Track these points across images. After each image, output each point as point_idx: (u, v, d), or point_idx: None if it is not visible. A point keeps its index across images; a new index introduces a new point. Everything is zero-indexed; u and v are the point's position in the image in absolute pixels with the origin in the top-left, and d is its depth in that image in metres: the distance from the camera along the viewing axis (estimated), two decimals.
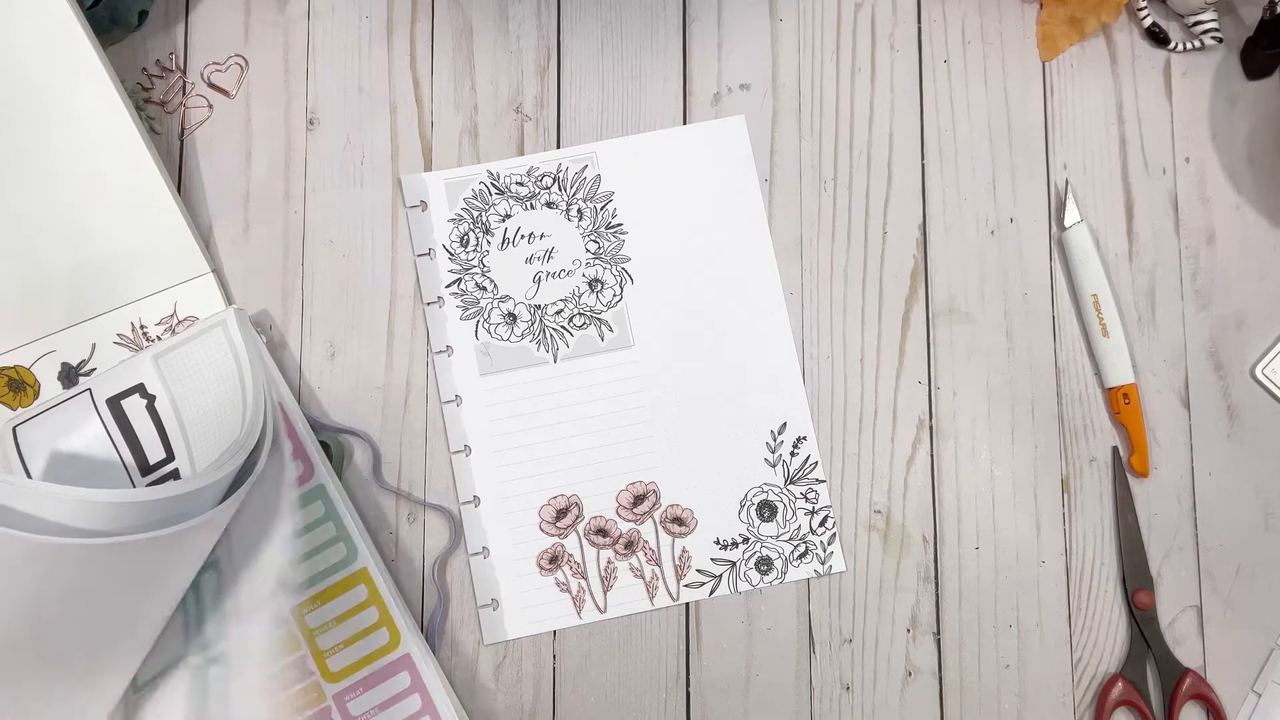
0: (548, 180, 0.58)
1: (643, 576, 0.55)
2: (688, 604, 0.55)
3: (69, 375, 0.54)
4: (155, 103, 0.59)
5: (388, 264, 0.58)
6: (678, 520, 0.55)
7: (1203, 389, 0.56)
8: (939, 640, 0.54)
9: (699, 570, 0.55)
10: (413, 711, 0.51)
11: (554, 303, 0.57)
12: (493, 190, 0.58)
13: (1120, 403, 0.55)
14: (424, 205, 0.58)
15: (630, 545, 0.55)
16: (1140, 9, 0.59)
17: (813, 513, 0.55)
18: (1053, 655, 0.54)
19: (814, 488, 0.56)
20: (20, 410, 0.52)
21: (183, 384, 0.52)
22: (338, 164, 0.59)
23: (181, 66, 0.59)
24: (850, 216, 0.58)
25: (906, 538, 0.55)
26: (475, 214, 0.58)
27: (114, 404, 0.51)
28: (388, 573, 0.53)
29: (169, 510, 0.42)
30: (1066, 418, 0.56)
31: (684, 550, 0.55)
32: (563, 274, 0.57)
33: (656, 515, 0.55)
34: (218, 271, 0.57)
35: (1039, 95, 0.59)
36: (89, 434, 0.50)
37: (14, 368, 0.54)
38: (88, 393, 0.51)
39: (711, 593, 0.55)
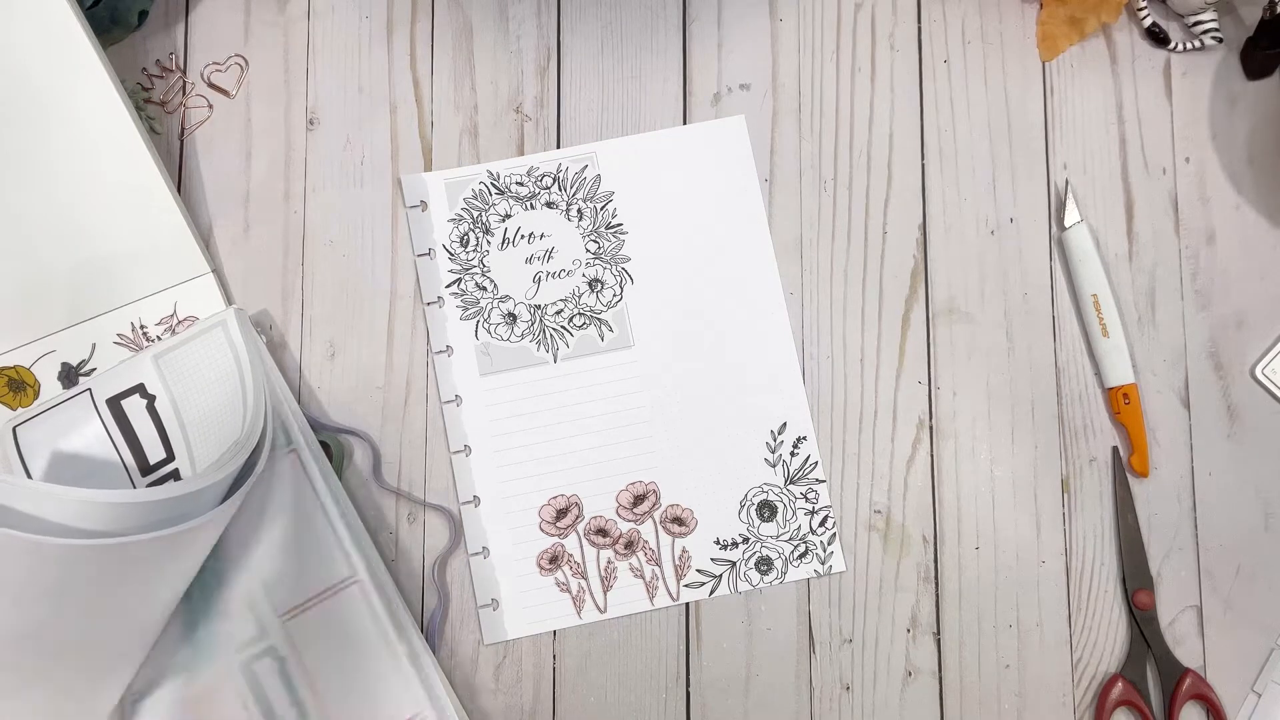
0: (548, 180, 0.58)
1: (643, 576, 0.55)
2: (688, 604, 0.55)
3: (69, 375, 0.54)
4: (155, 103, 0.59)
5: (388, 264, 0.58)
6: (678, 520, 0.55)
7: (1203, 389, 0.56)
8: (939, 640, 0.55)
9: (699, 570, 0.55)
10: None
11: (554, 303, 0.57)
12: (493, 190, 0.58)
13: (1120, 403, 0.55)
14: (424, 205, 0.58)
15: (630, 545, 0.55)
16: (1140, 9, 0.59)
17: (813, 513, 0.55)
18: (1053, 655, 0.54)
19: (814, 488, 0.56)
20: (20, 410, 0.52)
21: (183, 384, 0.51)
22: (338, 164, 0.59)
23: (181, 66, 0.59)
24: (850, 216, 0.58)
25: (906, 538, 0.55)
26: (475, 214, 0.58)
27: (114, 404, 0.51)
28: (387, 573, 0.53)
29: (170, 511, 0.42)
30: (1066, 418, 0.56)
31: (684, 550, 0.55)
32: (563, 274, 0.57)
33: (656, 515, 0.55)
34: (218, 271, 0.57)
35: (1039, 95, 0.59)
36: (89, 434, 0.50)
37: (14, 368, 0.54)
38: (88, 393, 0.51)
39: (711, 593, 0.55)
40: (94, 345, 0.55)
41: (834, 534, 0.55)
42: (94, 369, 0.54)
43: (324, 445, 0.54)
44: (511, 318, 0.57)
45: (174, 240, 0.55)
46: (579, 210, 0.58)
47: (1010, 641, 0.54)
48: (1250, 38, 0.58)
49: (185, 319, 0.55)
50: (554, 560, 0.55)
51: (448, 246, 0.57)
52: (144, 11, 0.57)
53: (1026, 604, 0.55)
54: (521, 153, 0.59)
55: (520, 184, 0.58)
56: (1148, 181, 0.58)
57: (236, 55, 0.59)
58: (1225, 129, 0.59)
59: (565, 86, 0.59)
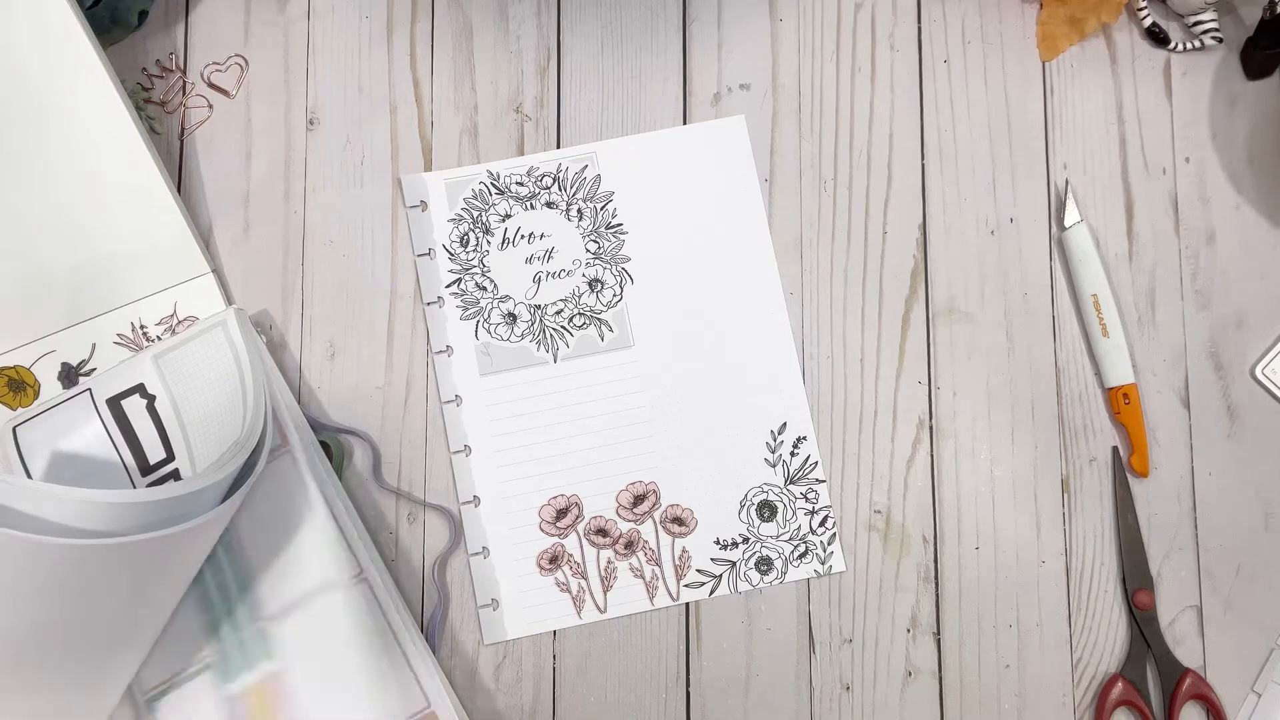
0: (548, 180, 0.58)
1: (643, 576, 0.55)
2: (688, 604, 0.55)
3: (69, 375, 0.54)
4: (155, 103, 0.59)
5: (388, 264, 0.58)
6: (678, 520, 0.55)
7: (1203, 389, 0.56)
8: (939, 640, 0.55)
9: (699, 570, 0.55)
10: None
11: (554, 303, 0.57)
12: (493, 190, 0.58)
13: (1120, 403, 0.55)
14: (424, 205, 0.58)
15: (630, 545, 0.55)
16: (1140, 9, 0.59)
17: (813, 513, 0.55)
18: (1053, 655, 0.54)
19: (814, 488, 0.56)
20: (20, 410, 0.52)
21: (183, 384, 0.51)
22: (338, 164, 0.59)
23: (181, 66, 0.59)
24: (850, 216, 0.58)
25: (906, 538, 0.55)
26: (475, 214, 0.58)
27: (114, 404, 0.51)
28: (387, 573, 0.53)
29: (170, 511, 0.42)
30: (1066, 418, 0.56)
31: (684, 550, 0.55)
32: (563, 274, 0.57)
33: (656, 515, 0.55)
34: (218, 271, 0.57)
35: (1039, 95, 0.59)
36: (89, 434, 0.50)
37: (14, 368, 0.54)
38: (88, 393, 0.51)
39: (711, 593, 0.55)
40: (94, 345, 0.55)
41: (834, 534, 0.55)
42: (94, 369, 0.54)
43: (324, 445, 0.54)
44: (511, 318, 0.57)
45: (174, 240, 0.55)
46: (579, 210, 0.58)
47: (1010, 641, 0.54)
48: (1250, 38, 0.58)
49: (185, 319, 0.55)
50: (554, 560, 0.55)
51: (448, 246, 0.57)
52: (144, 11, 0.57)
53: (1026, 604, 0.55)
54: (521, 153, 0.59)
55: (520, 184, 0.58)
56: (1148, 181, 0.58)
57: (236, 55, 0.59)
58: (1225, 129, 0.59)
59: (565, 86, 0.59)
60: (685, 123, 0.59)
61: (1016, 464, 0.56)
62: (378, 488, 0.55)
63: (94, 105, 0.52)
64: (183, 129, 0.59)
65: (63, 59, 0.51)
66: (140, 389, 0.51)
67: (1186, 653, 0.54)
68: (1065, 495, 0.56)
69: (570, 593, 0.55)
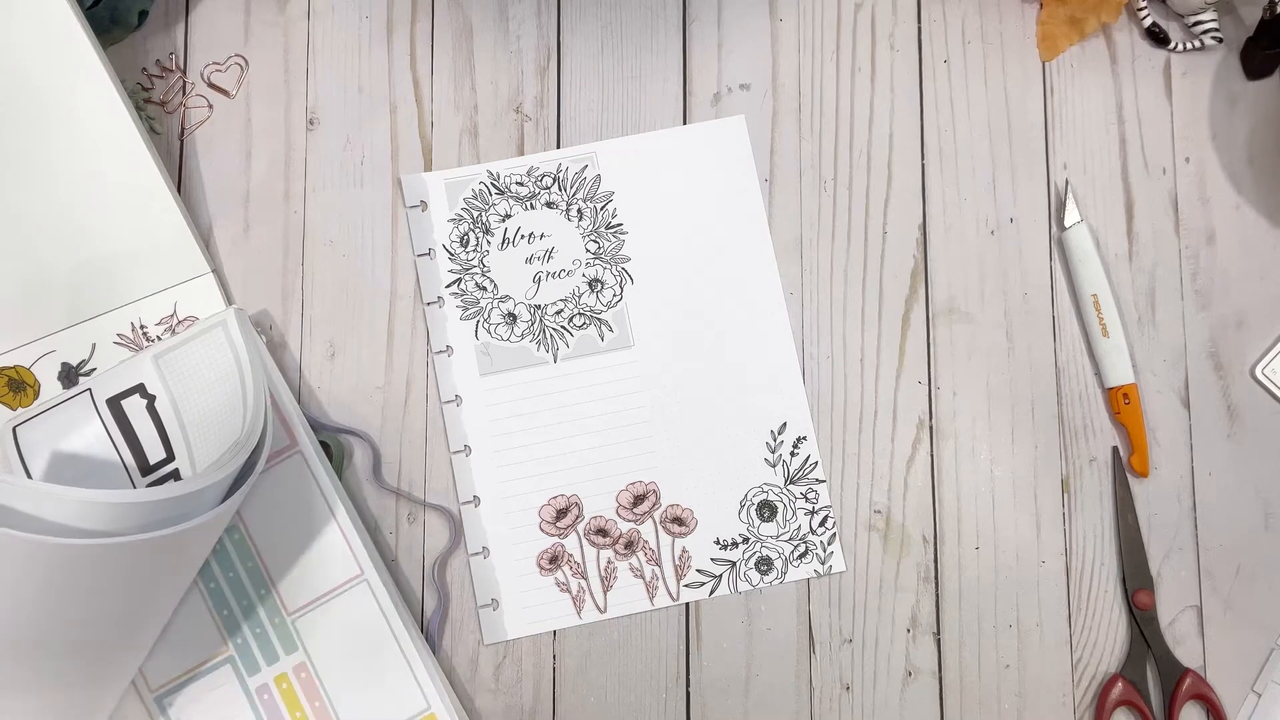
0: (548, 180, 0.58)
1: (643, 576, 0.55)
2: (688, 604, 0.55)
3: (69, 375, 0.54)
4: (155, 103, 0.59)
5: (388, 264, 0.58)
6: (678, 520, 0.55)
7: (1203, 389, 0.56)
8: (939, 640, 0.55)
9: (699, 570, 0.55)
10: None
11: (554, 303, 0.57)
12: (493, 190, 0.58)
13: (1120, 403, 0.55)
14: (424, 205, 0.58)
15: (630, 545, 0.55)
16: (1140, 9, 0.59)
17: (813, 513, 0.55)
18: (1053, 655, 0.54)
19: (814, 488, 0.56)
20: (20, 410, 0.52)
21: (183, 384, 0.51)
22: (338, 164, 0.59)
23: (181, 66, 0.59)
24: (850, 216, 0.58)
25: (906, 538, 0.55)
26: (475, 214, 0.58)
27: (114, 404, 0.51)
28: (388, 573, 0.53)
29: (170, 511, 0.42)
30: (1066, 418, 0.56)
31: (684, 550, 0.55)
32: (563, 274, 0.57)
33: (656, 515, 0.55)
34: (218, 271, 0.57)
35: (1039, 95, 0.59)
36: (89, 434, 0.50)
37: (14, 368, 0.54)
38: (88, 393, 0.51)
39: (711, 593, 0.55)
40: (94, 345, 0.55)
41: (834, 534, 0.55)
42: (94, 369, 0.54)
43: (324, 445, 0.54)
44: (511, 318, 0.57)
45: (174, 240, 0.55)
46: (579, 210, 0.58)
47: (1010, 641, 0.54)
48: (1250, 38, 0.58)
49: (185, 319, 0.55)
50: (554, 560, 0.55)
51: (448, 246, 0.57)
52: (144, 11, 0.57)
53: (1026, 604, 0.55)
54: (521, 153, 0.59)
55: (520, 184, 0.58)
56: (1148, 181, 0.58)
57: (236, 55, 0.59)
58: (1225, 129, 0.59)
59: (565, 86, 0.59)
60: (685, 123, 0.59)
61: (1016, 464, 0.56)
62: (378, 488, 0.55)
63: (94, 105, 0.52)
64: (183, 129, 0.59)
65: (63, 59, 0.51)
66: (140, 389, 0.51)
67: (1186, 653, 0.54)
68: (1065, 495, 0.56)
69: (570, 593, 0.55)
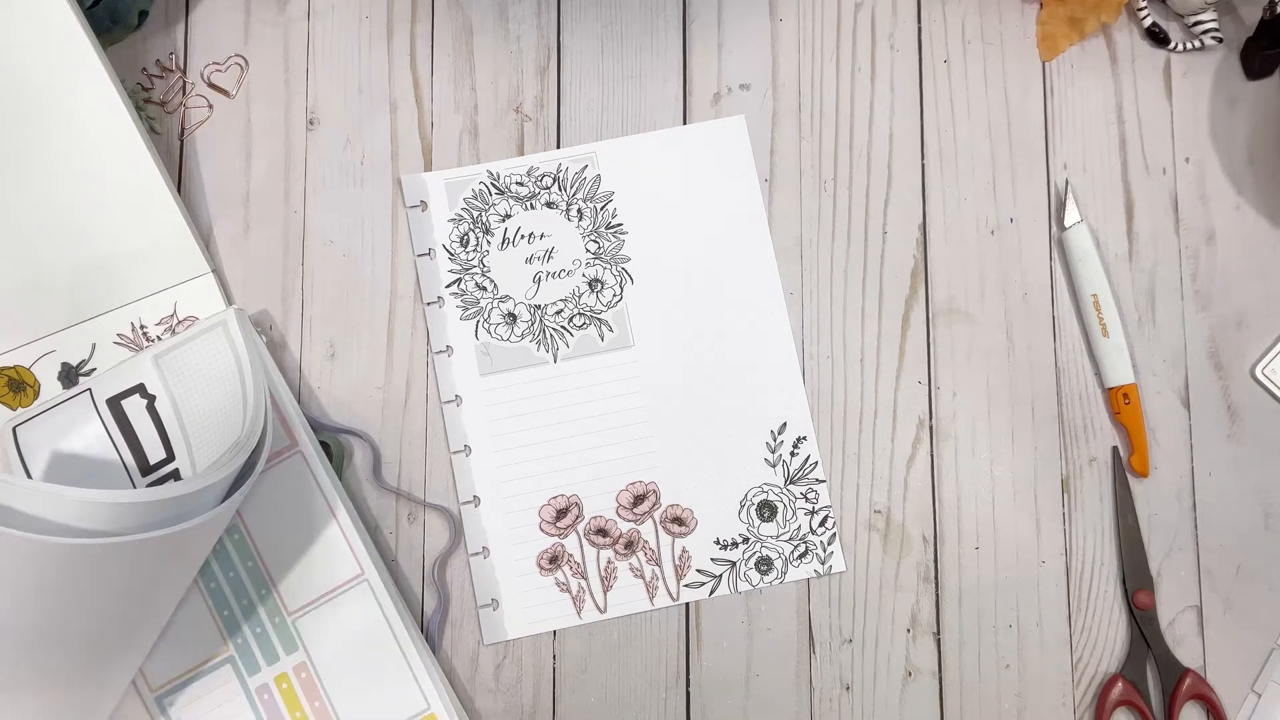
0: (548, 180, 0.58)
1: (643, 576, 0.55)
2: (688, 604, 0.55)
3: (69, 375, 0.54)
4: (155, 103, 0.59)
5: (388, 264, 0.58)
6: (678, 520, 0.55)
7: (1203, 389, 0.56)
8: (939, 640, 0.55)
9: (699, 570, 0.55)
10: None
11: (554, 303, 0.57)
12: (493, 190, 0.58)
13: (1120, 403, 0.55)
14: (424, 205, 0.58)
15: (630, 545, 0.55)
16: (1140, 9, 0.59)
17: (813, 513, 0.55)
18: (1053, 655, 0.54)
19: (814, 488, 0.56)
20: (20, 410, 0.52)
21: (183, 384, 0.52)
22: (338, 164, 0.59)
23: (181, 66, 0.59)
24: (850, 216, 0.58)
25: (906, 538, 0.55)
26: (475, 214, 0.58)
27: (114, 404, 0.51)
28: (388, 573, 0.53)
29: (170, 510, 0.42)
30: (1066, 418, 0.56)
31: (684, 550, 0.55)
32: (563, 274, 0.57)
33: (656, 515, 0.55)
34: (218, 271, 0.57)
35: (1039, 95, 0.59)
36: (89, 434, 0.50)
37: (14, 368, 0.54)
38: (88, 393, 0.51)
39: (711, 593, 0.55)
40: (94, 345, 0.55)
41: (834, 534, 0.55)
42: (94, 369, 0.54)
43: (324, 445, 0.54)
44: (511, 318, 0.57)
45: (174, 240, 0.55)
46: (579, 210, 0.58)
47: (1010, 641, 0.54)
48: (1250, 38, 0.58)
49: (185, 319, 0.55)
50: (554, 560, 0.55)
51: (448, 246, 0.57)
52: (144, 11, 0.57)
53: (1026, 604, 0.55)
54: (521, 153, 0.59)
55: (520, 184, 0.58)
56: (1148, 181, 0.58)
57: (236, 55, 0.59)
58: (1225, 129, 0.59)
59: (565, 86, 0.59)
60: (685, 123, 0.59)
61: (1016, 464, 0.56)
62: (378, 488, 0.55)
63: (94, 105, 0.52)
64: (183, 129, 0.59)
65: (63, 59, 0.51)
66: (140, 389, 0.51)
67: (1186, 653, 0.54)
68: (1065, 495, 0.56)
69: (570, 593, 0.55)
